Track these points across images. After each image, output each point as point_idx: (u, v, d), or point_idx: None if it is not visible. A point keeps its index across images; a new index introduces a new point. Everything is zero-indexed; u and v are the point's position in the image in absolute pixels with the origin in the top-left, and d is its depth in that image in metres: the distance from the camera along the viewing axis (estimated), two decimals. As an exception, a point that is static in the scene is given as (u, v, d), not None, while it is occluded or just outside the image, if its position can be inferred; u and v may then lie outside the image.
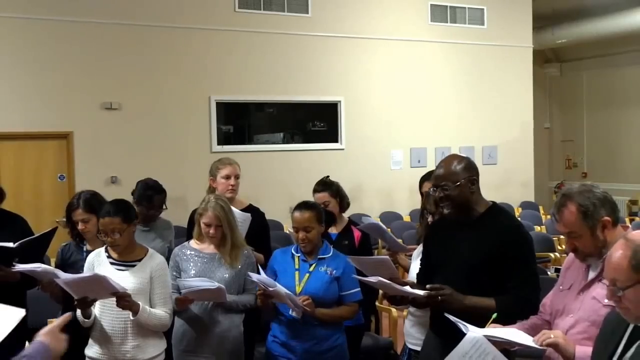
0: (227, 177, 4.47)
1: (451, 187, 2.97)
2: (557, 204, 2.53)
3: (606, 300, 2.31)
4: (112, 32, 8.95)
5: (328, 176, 4.75)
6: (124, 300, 3.27)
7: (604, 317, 2.21)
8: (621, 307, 2.00)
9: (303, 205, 3.71)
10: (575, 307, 2.51)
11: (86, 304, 3.32)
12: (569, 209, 2.48)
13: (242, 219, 4.10)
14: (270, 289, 3.42)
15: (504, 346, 2.44)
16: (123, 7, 9.04)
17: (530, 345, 2.39)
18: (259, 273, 3.62)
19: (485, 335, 2.39)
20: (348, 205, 4.66)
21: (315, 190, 4.56)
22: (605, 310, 2.34)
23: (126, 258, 3.50)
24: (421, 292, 2.91)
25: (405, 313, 5.51)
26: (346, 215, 4.79)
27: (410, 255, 4.20)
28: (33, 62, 8.54)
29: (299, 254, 3.70)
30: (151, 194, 4.45)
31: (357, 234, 4.53)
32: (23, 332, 4.02)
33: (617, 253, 1.99)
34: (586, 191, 2.50)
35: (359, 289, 3.66)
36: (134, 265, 3.48)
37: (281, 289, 3.42)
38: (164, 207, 4.56)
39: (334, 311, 3.62)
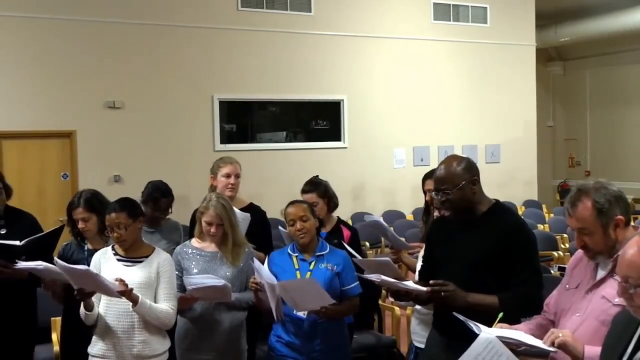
0: (227, 176, 4.47)
1: (453, 191, 2.95)
2: (572, 199, 2.49)
3: (617, 300, 2.27)
4: (114, 31, 8.97)
5: (317, 175, 4.72)
6: (124, 284, 3.27)
7: (613, 317, 2.18)
8: (632, 305, 1.97)
9: (295, 201, 3.78)
10: (583, 306, 2.48)
11: (85, 295, 3.34)
12: (585, 204, 2.45)
13: (241, 219, 4.09)
14: (268, 281, 3.41)
15: (512, 347, 2.41)
16: (126, 6, 9.05)
17: (539, 346, 2.35)
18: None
19: (497, 336, 2.36)
20: (336, 205, 4.61)
21: (303, 191, 4.50)
22: (615, 310, 2.30)
23: (133, 255, 3.51)
24: (424, 288, 2.91)
25: (408, 311, 5.52)
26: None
27: (413, 253, 4.20)
28: (36, 61, 8.55)
29: (296, 254, 3.68)
30: (158, 196, 4.42)
31: (346, 233, 4.50)
32: (32, 331, 4.06)
33: (632, 250, 1.95)
34: (602, 188, 2.47)
35: (358, 282, 3.67)
36: (141, 261, 3.49)
37: (272, 285, 3.41)
38: (170, 211, 4.55)
39: (338, 308, 3.60)
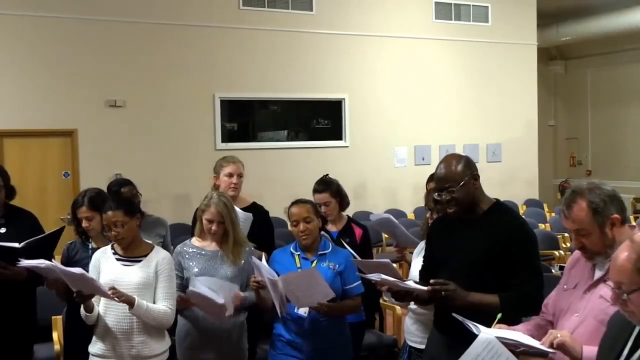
0: (230, 175, 4.48)
1: (456, 188, 2.95)
2: (567, 200, 2.50)
3: None
4: (116, 30, 8.97)
5: (327, 174, 4.72)
6: (116, 293, 3.27)
7: (609, 319, 2.18)
8: (626, 311, 1.96)
9: (299, 200, 3.76)
10: (581, 307, 2.48)
11: (83, 297, 3.35)
12: (580, 205, 2.45)
13: (244, 219, 4.09)
14: (269, 277, 3.40)
15: (510, 347, 2.41)
16: (127, 4, 9.05)
17: (538, 347, 2.35)
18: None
19: (497, 337, 2.36)
20: (348, 204, 4.62)
21: (315, 190, 4.51)
22: (613, 309, 2.29)
23: (132, 254, 3.50)
24: (424, 288, 2.91)
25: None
26: (351, 211, 4.78)
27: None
28: (37, 59, 8.56)
29: (298, 252, 3.68)
30: (116, 188, 4.50)
31: (358, 231, 4.51)
32: (31, 329, 4.06)
33: (622, 255, 1.95)
34: (596, 188, 2.47)
35: (360, 281, 3.66)
36: (139, 261, 3.49)
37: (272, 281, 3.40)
38: (139, 195, 4.56)
39: (339, 305, 3.61)
